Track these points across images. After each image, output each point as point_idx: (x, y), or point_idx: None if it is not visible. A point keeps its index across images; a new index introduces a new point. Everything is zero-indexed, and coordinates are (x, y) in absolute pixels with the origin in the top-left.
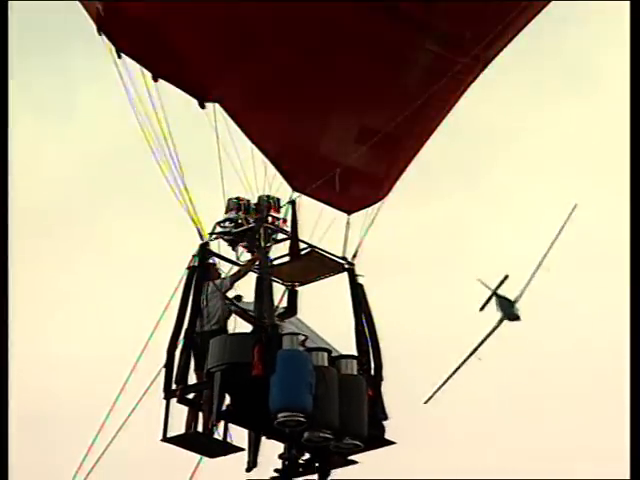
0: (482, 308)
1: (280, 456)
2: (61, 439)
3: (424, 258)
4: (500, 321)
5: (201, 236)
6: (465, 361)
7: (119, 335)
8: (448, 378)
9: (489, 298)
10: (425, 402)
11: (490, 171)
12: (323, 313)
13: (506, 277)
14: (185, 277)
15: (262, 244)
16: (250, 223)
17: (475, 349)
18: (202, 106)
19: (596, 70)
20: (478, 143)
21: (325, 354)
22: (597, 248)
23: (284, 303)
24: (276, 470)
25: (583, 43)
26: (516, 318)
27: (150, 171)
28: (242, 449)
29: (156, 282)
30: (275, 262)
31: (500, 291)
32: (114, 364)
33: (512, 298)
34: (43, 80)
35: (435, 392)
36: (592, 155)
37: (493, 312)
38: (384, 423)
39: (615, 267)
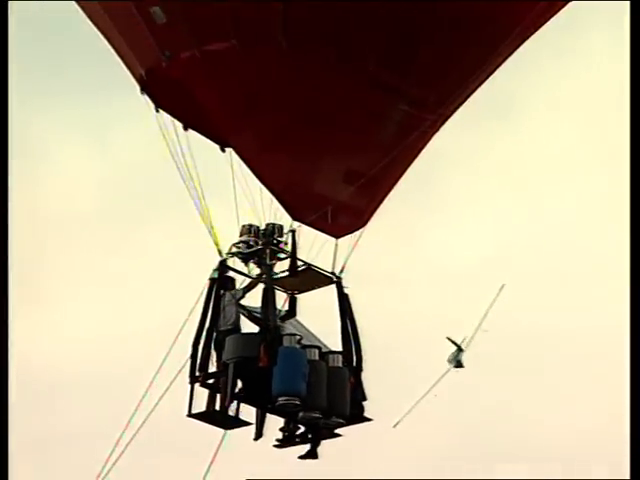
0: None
1: (281, 429)
2: (100, 405)
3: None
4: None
5: (220, 254)
6: (428, 392)
7: (150, 320)
8: (414, 405)
9: (457, 351)
10: (394, 426)
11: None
12: (317, 316)
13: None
14: (207, 287)
15: (268, 262)
16: (259, 245)
17: (433, 386)
18: (222, 150)
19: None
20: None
21: (316, 350)
22: None
23: (286, 307)
24: (277, 439)
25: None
26: (461, 366)
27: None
28: (250, 423)
29: (183, 279)
30: (279, 276)
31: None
32: (148, 346)
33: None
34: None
35: (403, 417)
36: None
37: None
38: (363, 404)
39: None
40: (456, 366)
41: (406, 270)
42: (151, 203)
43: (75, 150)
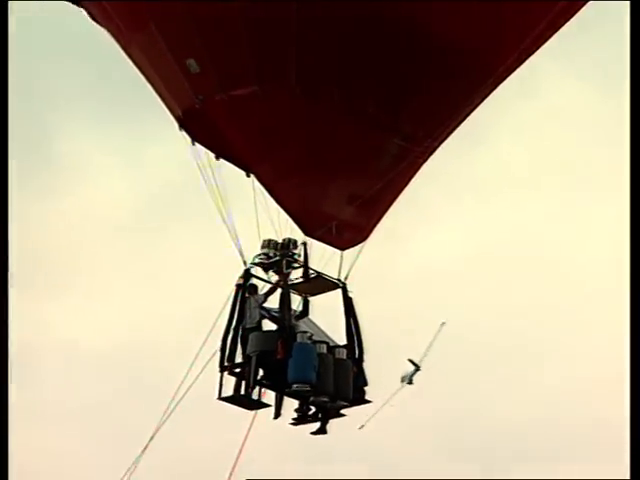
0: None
1: (295, 410)
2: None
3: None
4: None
5: (245, 264)
6: (386, 402)
7: (178, 312)
8: (375, 412)
9: (415, 370)
10: (360, 428)
11: None
12: (326, 315)
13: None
14: (234, 291)
15: (285, 270)
16: (277, 256)
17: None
18: (247, 175)
19: None
20: None
21: (325, 345)
22: None
23: (300, 308)
24: (293, 418)
25: None
26: (411, 383)
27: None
28: (270, 405)
29: (207, 279)
30: (294, 282)
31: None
32: (176, 334)
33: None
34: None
35: (367, 421)
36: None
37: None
38: (365, 389)
39: None
40: (408, 383)
41: (394, 270)
42: (180, 215)
43: (115, 167)
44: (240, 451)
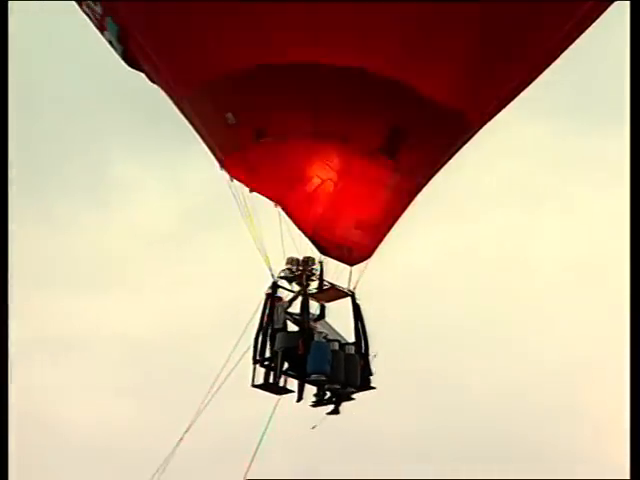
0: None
1: (314, 395)
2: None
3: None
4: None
5: (273, 276)
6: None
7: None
8: (320, 422)
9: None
10: (312, 428)
11: None
12: (339, 318)
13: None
14: (264, 299)
15: (305, 282)
16: (299, 271)
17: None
18: (275, 206)
19: None
20: None
21: (337, 342)
22: None
23: (317, 312)
24: (312, 401)
25: None
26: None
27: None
28: (294, 391)
29: (235, 285)
30: (312, 292)
31: None
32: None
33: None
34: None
35: (321, 422)
36: None
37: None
38: (370, 378)
39: None
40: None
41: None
42: (213, 228)
43: (159, 189)
44: (267, 426)
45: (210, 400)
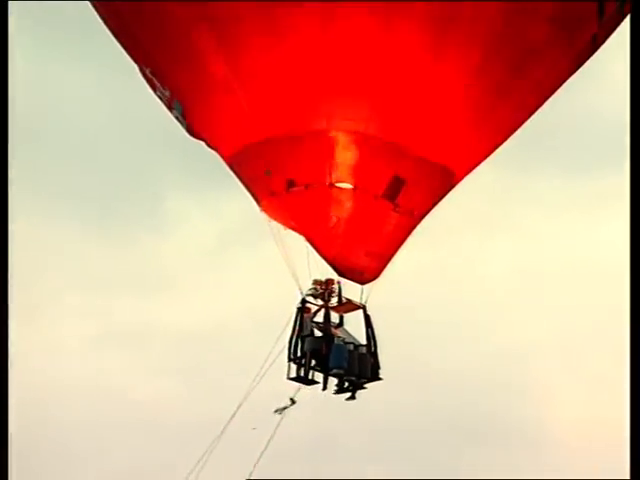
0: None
1: (335, 385)
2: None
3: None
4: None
5: (302, 294)
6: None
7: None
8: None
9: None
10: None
11: None
12: (354, 325)
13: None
14: (295, 312)
15: (327, 298)
16: (322, 290)
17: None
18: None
19: None
20: None
21: (352, 344)
22: None
23: (337, 321)
24: (334, 390)
25: None
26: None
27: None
28: (319, 382)
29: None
30: (332, 305)
31: None
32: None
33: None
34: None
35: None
36: None
37: None
38: (379, 371)
39: None
40: (279, 413)
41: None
42: (250, 249)
43: (204, 218)
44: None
45: (254, 387)
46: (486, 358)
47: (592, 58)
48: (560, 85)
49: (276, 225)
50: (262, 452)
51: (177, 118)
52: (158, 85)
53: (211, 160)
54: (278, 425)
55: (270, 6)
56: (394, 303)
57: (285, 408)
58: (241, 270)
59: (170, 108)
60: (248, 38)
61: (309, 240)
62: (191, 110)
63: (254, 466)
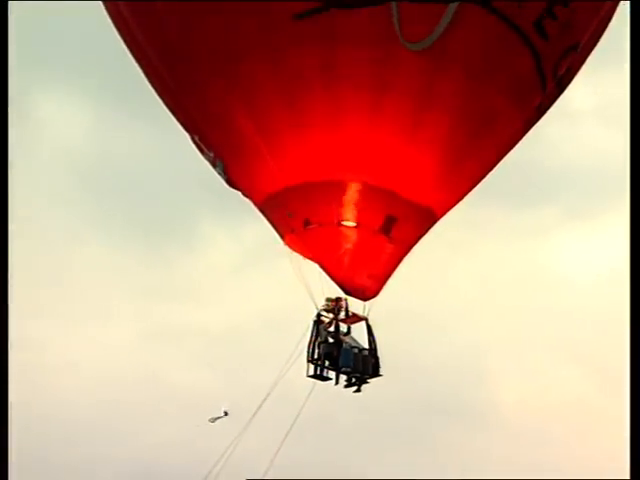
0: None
1: (345, 380)
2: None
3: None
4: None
5: (317, 309)
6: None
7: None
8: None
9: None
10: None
11: None
12: (359, 333)
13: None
14: (312, 323)
15: (337, 312)
16: (333, 305)
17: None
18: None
19: None
20: None
21: (357, 348)
22: None
23: (345, 330)
24: (345, 385)
25: None
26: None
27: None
28: (332, 378)
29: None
30: (342, 318)
31: None
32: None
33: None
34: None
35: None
36: None
37: None
38: (379, 369)
39: None
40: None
41: None
42: (268, 273)
43: (233, 244)
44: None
45: (279, 380)
46: (450, 354)
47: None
48: (515, 144)
49: (296, 255)
50: (287, 431)
51: (219, 173)
52: (204, 149)
53: (235, 197)
54: (302, 408)
55: (292, 91)
56: (388, 311)
57: (218, 418)
58: (261, 286)
59: (214, 165)
60: (274, 114)
61: (322, 267)
62: (230, 167)
63: (281, 442)
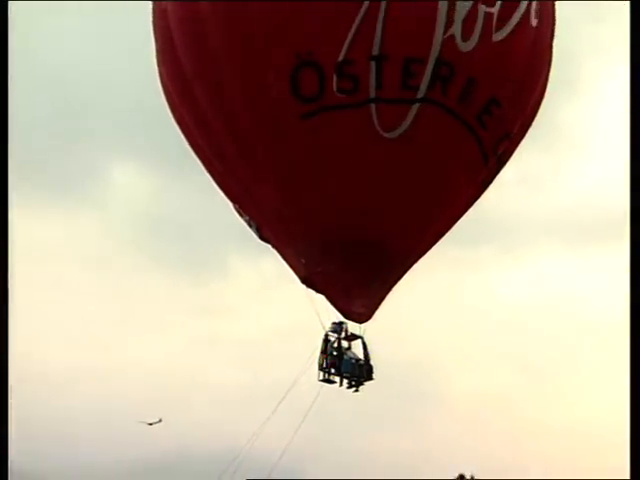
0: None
1: (347, 383)
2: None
3: None
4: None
5: (325, 329)
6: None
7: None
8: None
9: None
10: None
11: None
12: (357, 347)
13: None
14: (322, 341)
15: (339, 333)
16: (337, 327)
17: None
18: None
19: None
20: None
21: (355, 359)
22: None
23: (347, 345)
24: (347, 386)
25: None
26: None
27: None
28: (337, 382)
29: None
30: (343, 337)
31: None
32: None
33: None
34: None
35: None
36: None
37: None
38: (372, 375)
39: None
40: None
41: None
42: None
43: (254, 271)
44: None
45: (294, 384)
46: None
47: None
48: (472, 204)
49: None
50: (304, 416)
51: (254, 231)
52: (243, 214)
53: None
54: (314, 402)
55: (299, 175)
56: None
57: (153, 423)
58: (279, 306)
59: (249, 225)
60: (294, 192)
61: (329, 299)
62: (262, 227)
63: (299, 424)
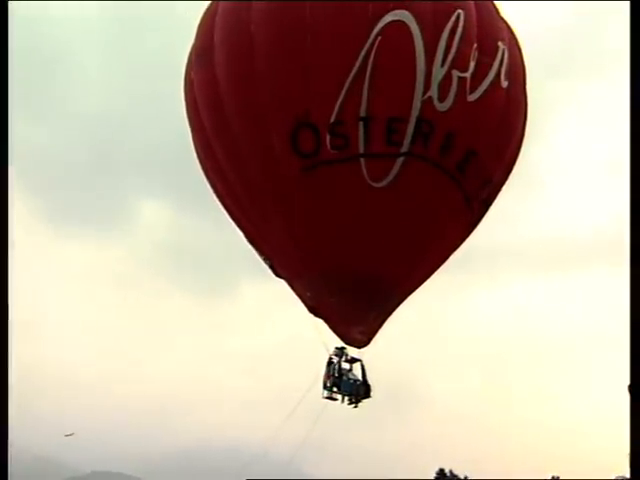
0: None
1: (348, 400)
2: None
3: None
4: None
5: (329, 352)
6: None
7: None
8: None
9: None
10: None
11: None
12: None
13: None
14: (326, 363)
15: (341, 356)
16: (339, 352)
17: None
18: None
19: None
20: None
21: (353, 380)
22: None
23: (348, 367)
24: (348, 404)
25: None
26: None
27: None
28: (338, 399)
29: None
30: (344, 360)
31: None
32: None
33: None
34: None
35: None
36: None
37: None
38: (370, 393)
39: None
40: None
41: None
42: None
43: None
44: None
45: (305, 394)
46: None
47: None
48: (460, 244)
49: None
50: (313, 424)
51: (268, 267)
52: (259, 253)
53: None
54: (319, 415)
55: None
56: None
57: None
58: (288, 326)
59: (265, 261)
60: (297, 235)
61: (331, 328)
62: (275, 263)
63: (308, 432)
